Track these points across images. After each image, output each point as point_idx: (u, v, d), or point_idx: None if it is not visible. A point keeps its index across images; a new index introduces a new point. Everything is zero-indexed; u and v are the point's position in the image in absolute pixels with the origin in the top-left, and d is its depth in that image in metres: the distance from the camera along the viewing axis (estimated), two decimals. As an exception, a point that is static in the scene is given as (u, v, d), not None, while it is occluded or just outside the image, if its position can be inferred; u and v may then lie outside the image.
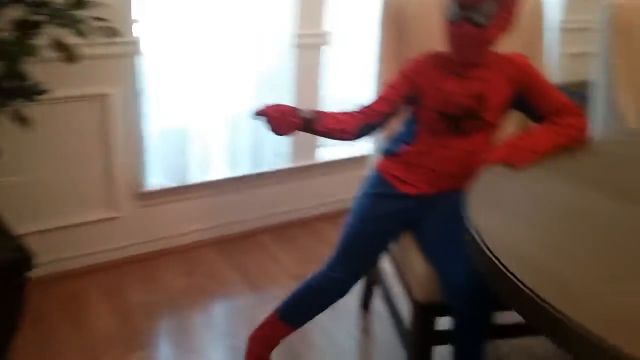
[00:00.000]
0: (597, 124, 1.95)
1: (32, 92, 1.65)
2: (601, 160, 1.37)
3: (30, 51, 1.50)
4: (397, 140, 1.61)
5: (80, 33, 1.55)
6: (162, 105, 2.24)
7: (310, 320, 1.65)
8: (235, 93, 2.37)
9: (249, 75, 2.36)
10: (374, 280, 2.00)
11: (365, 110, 1.52)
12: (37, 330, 1.91)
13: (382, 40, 1.82)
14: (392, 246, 1.65)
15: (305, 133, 1.48)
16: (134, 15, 2.05)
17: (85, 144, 2.11)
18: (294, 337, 1.69)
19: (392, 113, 1.54)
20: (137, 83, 2.14)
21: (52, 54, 1.54)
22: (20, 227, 1.77)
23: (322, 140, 2.71)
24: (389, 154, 1.62)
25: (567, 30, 3.03)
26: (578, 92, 1.82)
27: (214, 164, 2.45)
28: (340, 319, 2.06)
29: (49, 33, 1.54)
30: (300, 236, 2.60)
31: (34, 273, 1.60)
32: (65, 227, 2.16)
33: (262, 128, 2.36)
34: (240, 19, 2.26)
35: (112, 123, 2.13)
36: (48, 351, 1.83)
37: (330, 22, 2.48)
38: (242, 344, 1.69)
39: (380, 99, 1.53)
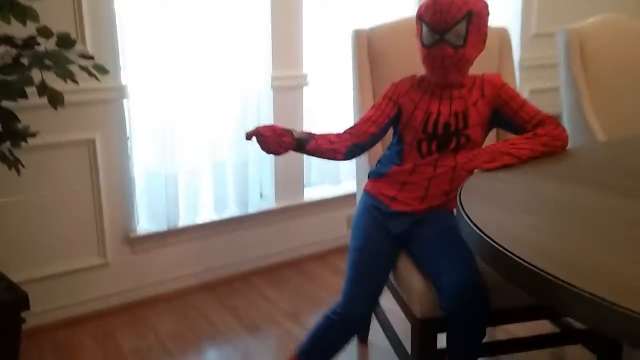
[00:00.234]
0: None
1: (22, 135, 1.68)
2: (579, 164, 1.44)
3: (17, 92, 1.52)
4: (385, 162, 1.67)
5: (69, 75, 1.59)
6: (148, 150, 2.28)
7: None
8: (218, 137, 2.42)
9: (230, 118, 2.42)
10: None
11: (354, 131, 1.58)
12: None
13: (356, 72, 1.91)
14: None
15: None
16: (120, 61, 2.11)
17: (73, 190, 2.13)
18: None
19: (378, 134, 1.60)
20: (124, 128, 2.19)
21: (40, 100, 1.57)
22: (9, 276, 1.76)
23: (307, 180, 2.77)
24: (378, 175, 1.67)
25: (525, 68, 3.19)
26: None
27: (200, 208, 2.47)
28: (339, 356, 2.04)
29: (36, 77, 1.56)
30: (290, 276, 2.60)
31: (24, 324, 1.59)
32: (54, 276, 2.14)
33: (246, 171, 2.45)
34: (221, 64, 2.34)
35: (100, 168, 2.16)
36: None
37: (307, 63, 2.58)
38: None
39: (367, 121, 1.59)
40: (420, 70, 1.61)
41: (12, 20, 1.48)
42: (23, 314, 1.66)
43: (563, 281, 0.79)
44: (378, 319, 1.90)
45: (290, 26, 2.47)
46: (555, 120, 1.56)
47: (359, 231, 1.60)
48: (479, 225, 0.98)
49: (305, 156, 2.63)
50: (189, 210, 2.42)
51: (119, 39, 2.10)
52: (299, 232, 2.72)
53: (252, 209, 2.55)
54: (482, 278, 1.42)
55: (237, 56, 2.36)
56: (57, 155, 2.06)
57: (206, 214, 2.48)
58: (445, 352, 1.51)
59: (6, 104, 1.58)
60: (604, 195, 1.18)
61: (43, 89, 1.58)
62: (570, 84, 2.08)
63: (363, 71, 1.88)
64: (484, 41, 1.55)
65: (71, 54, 1.58)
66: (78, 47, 1.68)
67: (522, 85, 3.16)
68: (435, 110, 1.57)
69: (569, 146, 1.53)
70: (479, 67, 1.64)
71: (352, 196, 2.75)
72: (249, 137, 1.46)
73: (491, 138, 1.93)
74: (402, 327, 1.70)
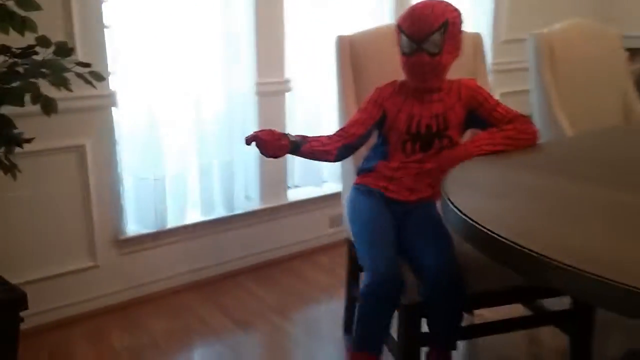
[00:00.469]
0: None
1: (17, 141, 1.73)
2: (551, 155, 1.57)
3: (19, 99, 1.58)
4: (372, 158, 1.78)
5: (63, 83, 1.64)
6: (136, 154, 2.34)
7: (386, 339, 1.60)
8: (205, 141, 2.49)
9: (217, 123, 2.50)
10: (355, 300, 2.09)
11: (343, 133, 1.69)
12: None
13: (340, 77, 2.00)
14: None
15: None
16: (110, 68, 2.18)
17: (64, 194, 2.18)
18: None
19: (366, 135, 1.72)
20: (113, 134, 2.25)
21: (32, 107, 1.61)
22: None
23: (290, 181, 2.86)
24: (367, 170, 1.77)
25: (496, 72, 3.34)
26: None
27: (187, 210, 2.53)
28: (325, 346, 2.13)
29: (30, 84, 1.60)
30: (277, 275, 2.68)
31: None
32: (46, 278, 2.18)
33: (232, 173, 2.53)
34: (207, 71, 2.42)
35: (90, 173, 2.21)
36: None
37: (292, 69, 2.68)
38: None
39: (355, 123, 1.70)
40: (401, 75, 1.72)
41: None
42: (21, 314, 1.71)
43: (536, 253, 0.90)
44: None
45: (274, 34, 2.57)
46: (525, 118, 1.68)
47: (363, 211, 1.67)
48: (461, 209, 1.09)
49: (288, 158, 2.72)
50: (176, 212, 2.48)
51: (107, 46, 2.16)
52: (283, 231, 2.81)
53: (238, 209, 2.63)
54: (458, 264, 1.52)
55: (222, 62, 2.45)
56: (48, 161, 2.12)
57: (194, 216, 2.55)
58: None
59: (2, 110, 1.64)
60: (572, 182, 1.30)
61: (37, 96, 1.62)
62: (540, 84, 2.22)
63: (346, 76, 1.98)
64: (459, 48, 1.67)
65: (67, 62, 1.64)
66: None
67: (493, 88, 3.30)
68: (417, 113, 1.68)
69: (540, 141, 1.66)
70: (455, 70, 1.76)
71: (334, 196, 2.85)
72: (248, 141, 1.54)
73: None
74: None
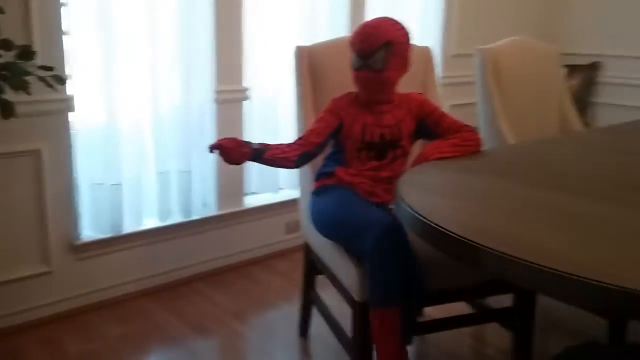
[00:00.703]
0: (484, 141, 2.34)
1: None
2: (493, 160, 1.70)
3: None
4: (329, 164, 1.86)
5: (23, 86, 1.65)
6: (93, 159, 2.34)
7: (404, 290, 1.56)
8: (163, 147, 2.51)
9: (175, 130, 2.53)
10: (310, 302, 2.15)
11: (302, 142, 1.76)
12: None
13: (298, 86, 2.08)
14: (326, 259, 1.85)
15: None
16: (67, 72, 2.18)
17: (18, 199, 2.16)
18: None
19: (323, 143, 1.80)
20: (69, 138, 2.24)
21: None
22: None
23: (247, 187, 2.90)
24: (326, 175, 1.85)
25: (445, 85, 3.49)
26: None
27: (144, 216, 2.54)
28: (281, 349, 2.18)
29: None
30: (233, 280, 2.71)
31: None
32: (-1, 284, 2.15)
33: (189, 180, 2.55)
34: (166, 78, 2.45)
35: (45, 178, 2.20)
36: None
37: (251, 78, 2.74)
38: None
39: (313, 132, 1.78)
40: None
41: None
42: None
43: (478, 244, 1.00)
44: (318, 308, 2.06)
45: (233, 42, 2.62)
46: (470, 128, 1.81)
47: (335, 198, 1.73)
48: (413, 207, 1.18)
49: (245, 166, 2.77)
50: (133, 218, 2.49)
51: (65, 51, 2.17)
52: (240, 237, 2.84)
53: (195, 215, 2.65)
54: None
55: (181, 69, 2.48)
56: (2, 165, 2.10)
57: (151, 222, 2.56)
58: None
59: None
60: (512, 184, 1.42)
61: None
62: (485, 95, 2.37)
63: (304, 85, 2.06)
64: (406, 64, 1.79)
65: (28, 66, 1.65)
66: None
67: (443, 101, 3.44)
68: (370, 123, 1.79)
69: (484, 148, 1.79)
70: (407, 82, 1.87)
71: (291, 203, 2.91)
72: (212, 149, 1.59)
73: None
74: (341, 316, 1.87)
